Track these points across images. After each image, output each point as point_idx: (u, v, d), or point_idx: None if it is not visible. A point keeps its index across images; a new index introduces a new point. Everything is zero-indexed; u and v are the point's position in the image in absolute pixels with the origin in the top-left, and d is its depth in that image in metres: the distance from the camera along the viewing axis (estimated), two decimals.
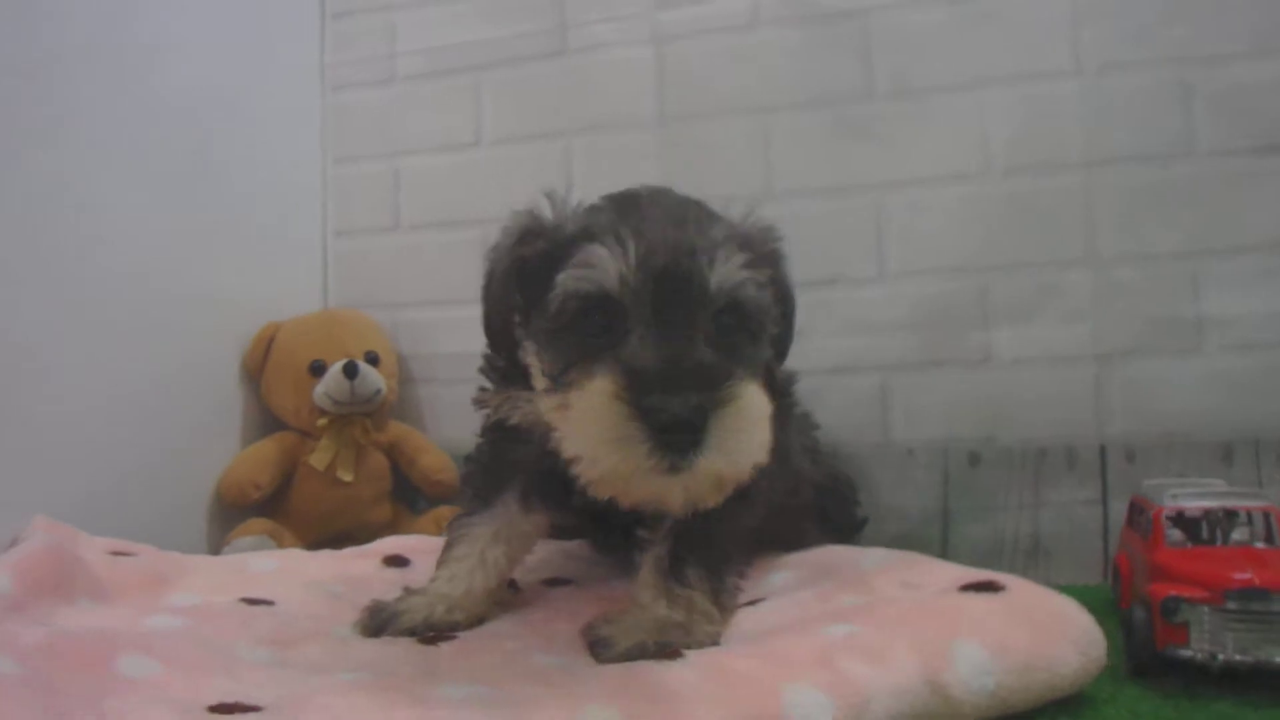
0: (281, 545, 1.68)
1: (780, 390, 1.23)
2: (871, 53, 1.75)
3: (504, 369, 1.15)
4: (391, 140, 2.07)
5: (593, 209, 1.04)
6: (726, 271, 0.94)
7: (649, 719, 0.76)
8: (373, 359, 1.87)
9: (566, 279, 0.92)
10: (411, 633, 1.09)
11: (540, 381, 0.98)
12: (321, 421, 1.81)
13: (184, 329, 1.75)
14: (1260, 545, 1.09)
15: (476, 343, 1.17)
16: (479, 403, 1.21)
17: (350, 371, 1.80)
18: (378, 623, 1.11)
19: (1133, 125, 1.61)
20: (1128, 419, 1.59)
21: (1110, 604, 1.25)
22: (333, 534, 1.77)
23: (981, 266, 1.68)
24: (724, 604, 1.10)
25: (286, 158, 2.06)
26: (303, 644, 1.01)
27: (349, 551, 1.49)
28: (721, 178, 1.82)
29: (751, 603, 1.14)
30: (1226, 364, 1.55)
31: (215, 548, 1.70)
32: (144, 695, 0.76)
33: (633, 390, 0.83)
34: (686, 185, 1.80)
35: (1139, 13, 1.61)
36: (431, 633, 1.08)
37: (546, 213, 1.04)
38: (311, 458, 1.80)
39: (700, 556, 1.09)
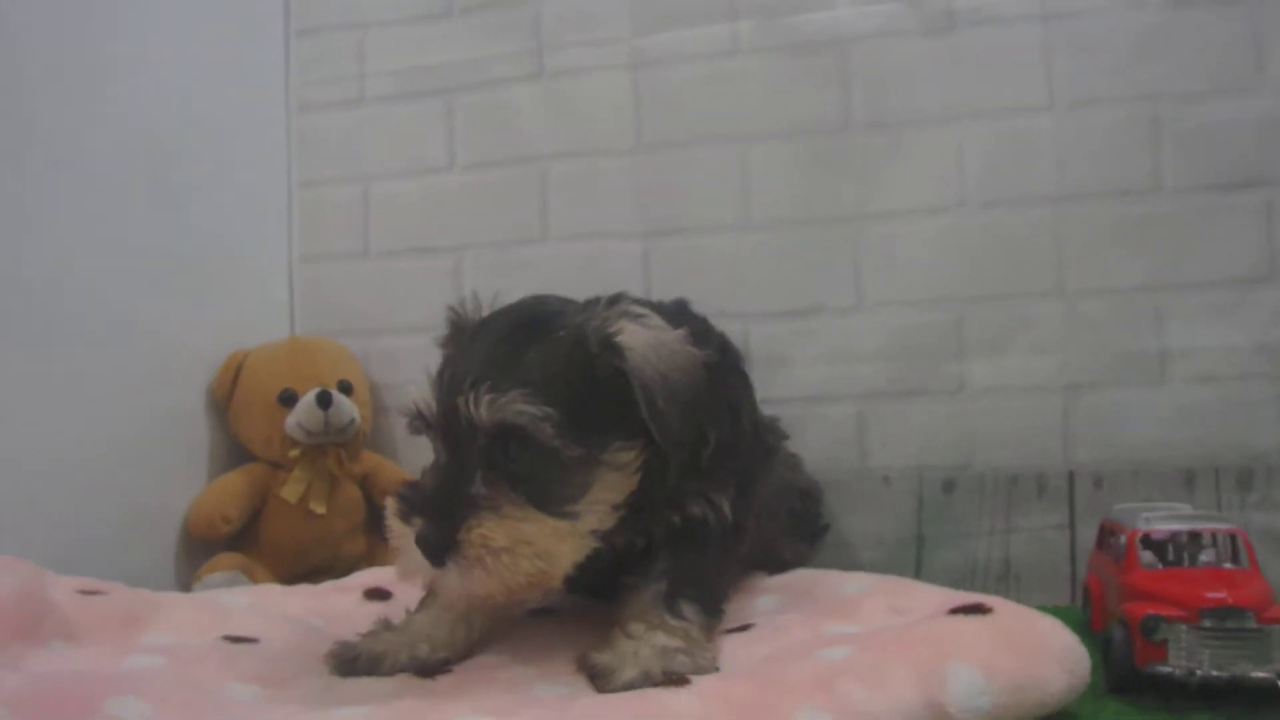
0: (254, 581, 1.64)
1: (751, 442, 1.25)
2: (850, 84, 1.76)
3: None
4: (361, 163, 2.01)
5: (480, 325, 1.10)
6: (497, 404, 0.98)
7: None
8: (345, 388, 1.85)
9: (409, 393, 1.01)
10: (397, 671, 1.06)
11: None
12: (294, 453, 1.78)
13: (143, 359, 1.68)
14: (1228, 566, 1.13)
15: None
16: None
17: (324, 401, 1.78)
18: (346, 664, 1.07)
19: (1102, 161, 1.65)
20: (1094, 447, 1.63)
21: (1080, 625, 1.27)
22: (307, 568, 1.74)
23: (956, 298, 1.71)
24: (714, 631, 1.11)
25: (252, 180, 1.99)
26: (292, 682, 0.99)
27: (326, 586, 1.46)
28: (699, 207, 1.83)
29: (741, 628, 1.15)
30: (1188, 395, 1.60)
31: (185, 585, 1.66)
32: None
33: (405, 512, 1.00)
34: (663, 214, 1.85)
35: (1110, 49, 1.65)
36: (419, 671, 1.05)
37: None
38: (283, 490, 1.77)
39: (694, 594, 1.10)
